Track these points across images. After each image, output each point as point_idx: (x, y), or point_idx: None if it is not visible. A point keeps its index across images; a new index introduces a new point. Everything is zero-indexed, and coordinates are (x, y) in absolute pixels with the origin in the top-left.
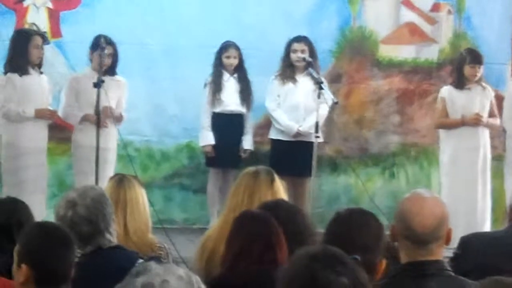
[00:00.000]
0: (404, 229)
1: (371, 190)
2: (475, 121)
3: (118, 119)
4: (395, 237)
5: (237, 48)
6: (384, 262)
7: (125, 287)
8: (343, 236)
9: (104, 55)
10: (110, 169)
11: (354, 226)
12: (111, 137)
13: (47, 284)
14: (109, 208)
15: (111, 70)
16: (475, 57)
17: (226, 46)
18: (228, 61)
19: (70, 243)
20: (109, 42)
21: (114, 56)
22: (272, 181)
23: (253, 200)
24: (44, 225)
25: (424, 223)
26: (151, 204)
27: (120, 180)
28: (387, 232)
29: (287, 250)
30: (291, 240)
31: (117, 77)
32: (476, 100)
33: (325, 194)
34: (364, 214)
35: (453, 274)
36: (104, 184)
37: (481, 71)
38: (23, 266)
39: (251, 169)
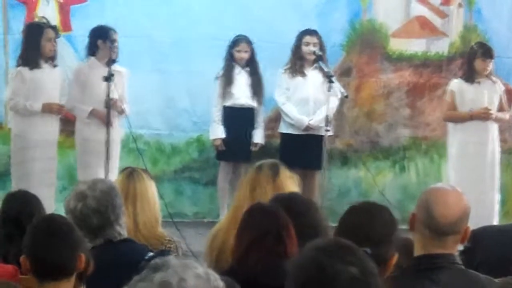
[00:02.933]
0: (426, 217)
1: (381, 183)
2: (484, 115)
3: (121, 112)
4: (413, 226)
5: (249, 42)
6: (396, 257)
7: (142, 281)
8: (356, 229)
9: (114, 48)
10: (114, 162)
11: (367, 219)
12: (115, 130)
13: (44, 277)
14: (119, 201)
15: (113, 61)
16: (486, 51)
17: (237, 40)
18: (239, 55)
19: (71, 237)
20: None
21: (118, 48)
22: (274, 175)
23: (254, 195)
24: (46, 219)
25: (447, 214)
26: (161, 197)
27: (130, 173)
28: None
29: (298, 244)
30: (303, 233)
31: (116, 67)
32: (485, 94)
33: (335, 188)
34: (378, 207)
35: (463, 267)
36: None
37: (491, 65)
38: (22, 258)
39: (258, 163)
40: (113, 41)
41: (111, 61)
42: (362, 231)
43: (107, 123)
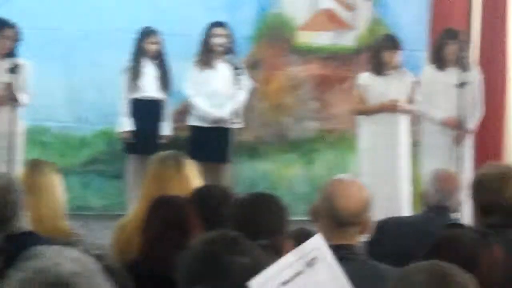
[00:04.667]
0: (328, 209)
1: (289, 176)
2: (393, 107)
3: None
4: (316, 217)
5: (158, 34)
6: (290, 245)
7: (19, 270)
8: (247, 221)
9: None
10: (17, 155)
11: (257, 210)
12: (16, 121)
13: None
14: (17, 195)
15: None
16: (392, 43)
17: (147, 32)
18: (149, 47)
19: None
20: (10, 25)
21: (16, 39)
22: (179, 166)
23: (160, 186)
24: None
25: (348, 205)
26: (68, 190)
27: (33, 166)
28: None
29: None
30: (215, 225)
31: (18, 59)
32: (393, 86)
33: (243, 180)
34: (266, 197)
35: (366, 258)
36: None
37: (398, 56)
38: None
39: (159, 155)
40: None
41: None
42: (252, 222)
43: (13, 113)
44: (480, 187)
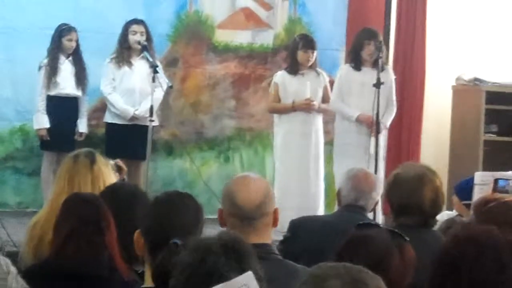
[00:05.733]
0: (231, 206)
1: (206, 174)
2: (306, 106)
3: None
4: (223, 221)
5: (76, 31)
6: None
7: None
8: (162, 219)
9: None
10: None
11: (172, 209)
12: None
13: None
14: None
15: None
16: (307, 42)
17: (67, 29)
18: (69, 44)
19: None
20: None
21: None
22: (92, 163)
23: (73, 184)
24: None
25: (249, 198)
26: None
27: None
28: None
29: (122, 233)
30: (125, 223)
31: None
32: (308, 85)
33: (160, 178)
34: (181, 196)
35: (281, 257)
36: None
37: (314, 56)
38: None
39: (73, 153)
40: None
41: None
42: (168, 222)
43: None
44: (396, 187)
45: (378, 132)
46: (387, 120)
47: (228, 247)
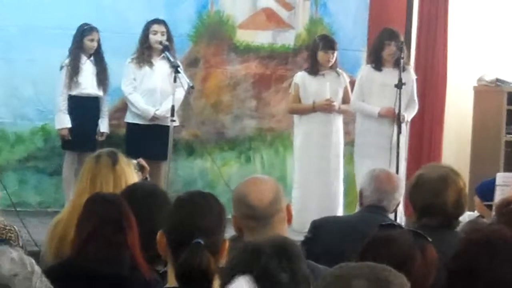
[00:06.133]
0: (245, 209)
1: (226, 174)
2: (326, 107)
3: None
4: (240, 227)
5: (98, 31)
6: (227, 242)
7: None
8: (186, 220)
9: None
10: None
11: (195, 209)
12: None
13: None
14: None
15: None
16: (327, 43)
17: (89, 29)
18: (91, 44)
19: None
20: None
21: None
22: (114, 163)
23: (95, 184)
24: None
25: (261, 197)
26: (4, 187)
27: None
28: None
29: (144, 233)
30: (144, 222)
31: None
32: (328, 86)
33: (181, 178)
34: (205, 196)
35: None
36: None
37: (334, 57)
38: None
39: (95, 152)
40: None
41: None
42: (191, 222)
43: None
44: (419, 188)
45: (400, 123)
46: (409, 114)
47: (279, 248)
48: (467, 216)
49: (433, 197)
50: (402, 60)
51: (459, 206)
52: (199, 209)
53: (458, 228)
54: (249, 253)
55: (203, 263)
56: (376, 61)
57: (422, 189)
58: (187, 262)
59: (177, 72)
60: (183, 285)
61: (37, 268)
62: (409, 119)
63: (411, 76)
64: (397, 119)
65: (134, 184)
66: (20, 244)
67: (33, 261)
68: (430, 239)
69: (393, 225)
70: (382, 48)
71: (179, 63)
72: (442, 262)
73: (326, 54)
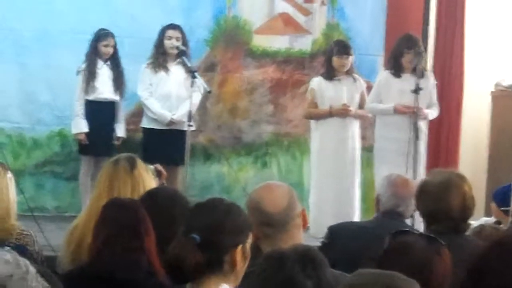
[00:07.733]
0: (260, 216)
1: (243, 179)
2: (343, 112)
3: None
4: (256, 236)
5: (114, 37)
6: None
7: None
8: (209, 227)
9: None
10: None
11: (221, 216)
12: None
13: None
14: None
15: None
16: (342, 48)
17: (104, 35)
18: (106, 50)
19: None
20: None
21: None
22: (132, 168)
23: (112, 189)
24: None
25: (276, 203)
26: (21, 191)
27: None
28: None
29: (156, 238)
30: (165, 227)
31: None
32: (344, 91)
33: (198, 183)
34: (227, 203)
35: None
36: None
37: (349, 61)
38: None
39: (113, 157)
40: None
41: None
42: (219, 228)
43: None
44: (423, 195)
45: (417, 128)
46: (431, 114)
47: (304, 256)
48: (483, 222)
49: (436, 203)
50: (419, 66)
51: (465, 209)
52: (226, 216)
53: (468, 232)
54: (273, 260)
55: (188, 258)
56: (395, 67)
57: (426, 196)
58: (173, 253)
59: (194, 77)
60: (171, 277)
61: (32, 269)
62: (430, 118)
63: (430, 81)
64: (414, 123)
65: (154, 189)
66: (37, 249)
67: (28, 262)
68: (443, 242)
69: (406, 231)
70: (401, 55)
71: (195, 68)
72: (455, 265)
73: (341, 59)
